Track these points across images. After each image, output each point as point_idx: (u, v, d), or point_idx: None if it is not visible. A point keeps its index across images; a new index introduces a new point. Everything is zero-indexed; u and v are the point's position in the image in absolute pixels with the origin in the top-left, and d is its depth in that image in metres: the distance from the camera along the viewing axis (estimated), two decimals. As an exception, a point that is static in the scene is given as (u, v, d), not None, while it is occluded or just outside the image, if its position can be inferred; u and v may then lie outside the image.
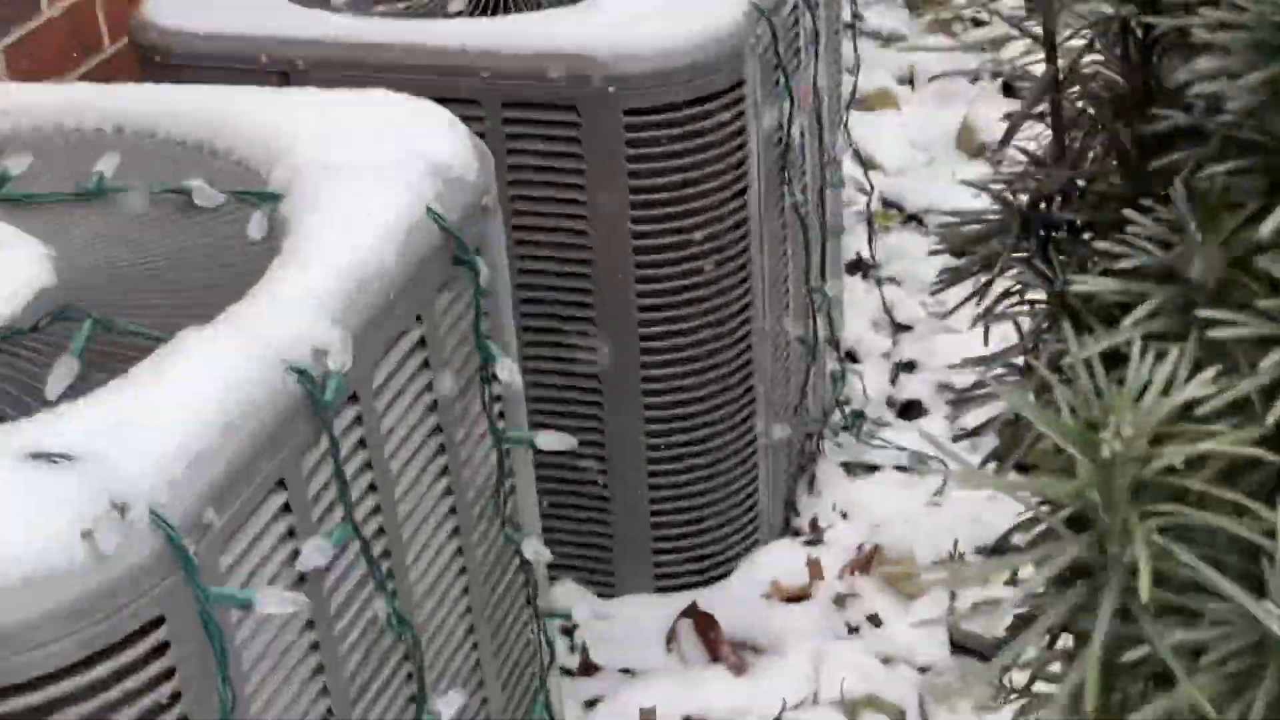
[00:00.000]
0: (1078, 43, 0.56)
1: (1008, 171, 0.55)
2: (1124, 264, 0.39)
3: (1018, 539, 0.43)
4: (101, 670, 0.50)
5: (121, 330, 0.61)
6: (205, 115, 0.81)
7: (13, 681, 0.46)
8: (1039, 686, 0.45)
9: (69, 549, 0.46)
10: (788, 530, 1.30)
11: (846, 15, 1.51)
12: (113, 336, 0.61)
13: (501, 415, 0.82)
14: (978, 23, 2.37)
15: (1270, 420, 0.28)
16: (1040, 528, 0.34)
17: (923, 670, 1.06)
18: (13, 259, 0.68)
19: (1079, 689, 0.28)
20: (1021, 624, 0.36)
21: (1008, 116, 0.62)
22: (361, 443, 0.63)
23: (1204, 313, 0.30)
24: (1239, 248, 0.32)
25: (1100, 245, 0.52)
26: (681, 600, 1.15)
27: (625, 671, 1.13)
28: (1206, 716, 0.27)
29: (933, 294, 1.16)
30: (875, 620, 1.12)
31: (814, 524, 1.29)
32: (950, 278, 0.56)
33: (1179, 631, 0.28)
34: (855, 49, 1.48)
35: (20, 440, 0.50)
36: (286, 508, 0.59)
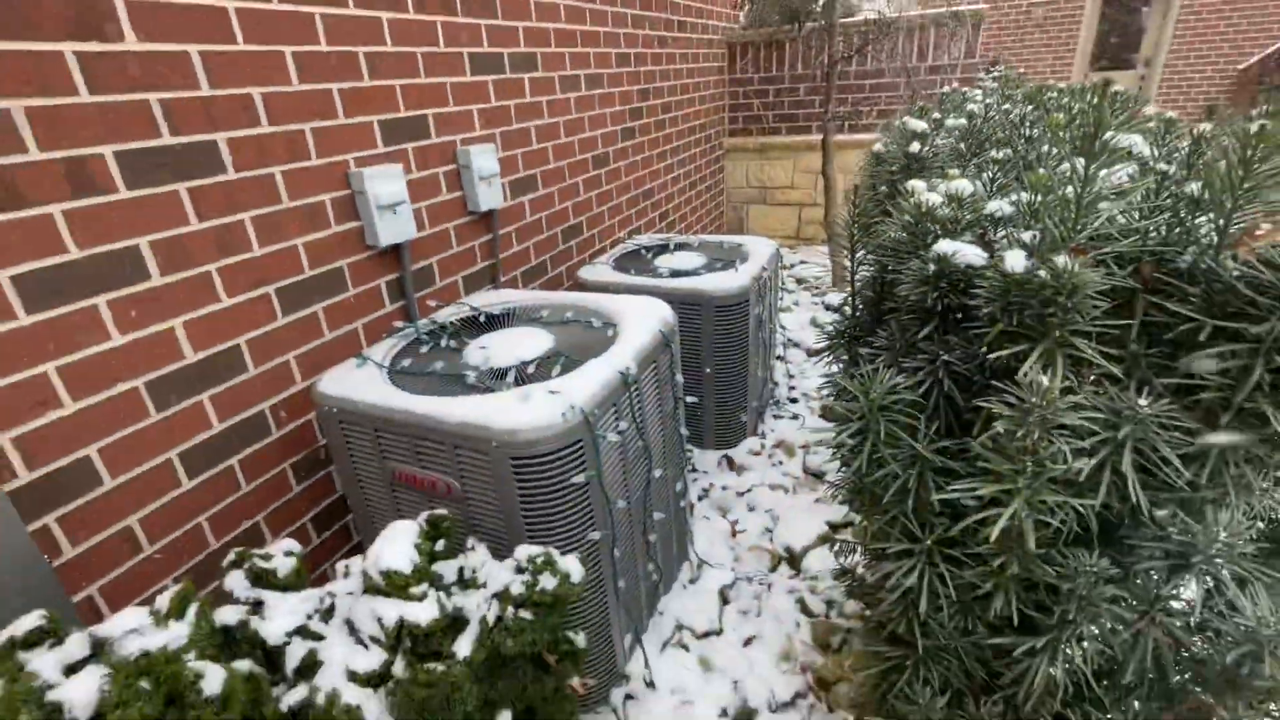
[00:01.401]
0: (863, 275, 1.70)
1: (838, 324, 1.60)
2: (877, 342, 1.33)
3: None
4: (562, 452, 1.22)
5: (571, 360, 1.47)
6: (587, 302, 1.85)
7: (536, 453, 1.19)
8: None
9: (558, 419, 1.26)
10: (756, 433, 2.78)
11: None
12: (568, 363, 1.48)
13: (674, 390, 1.69)
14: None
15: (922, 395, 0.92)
16: (845, 427, 1.24)
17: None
18: (544, 337, 1.64)
19: (856, 476, 0.75)
20: (838, 458, 1.29)
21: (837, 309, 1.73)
22: (638, 395, 1.50)
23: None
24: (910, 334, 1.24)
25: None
26: (719, 451, 2.58)
27: (704, 471, 2.50)
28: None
29: (809, 355, 3.06)
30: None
31: (761, 434, 2.80)
32: (822, 350, 1.56)
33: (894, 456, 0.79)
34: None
35: (547, 387, 1.27)
36: (616, 412, 1.37)
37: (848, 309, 0.97)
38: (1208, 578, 0.60)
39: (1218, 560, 0.59)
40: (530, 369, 1.43)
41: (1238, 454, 0.54)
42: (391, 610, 0.82)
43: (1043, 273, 0.61)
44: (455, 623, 0.88)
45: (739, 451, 2.58)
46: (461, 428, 1.21)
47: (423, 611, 0.82)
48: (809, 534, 2.08)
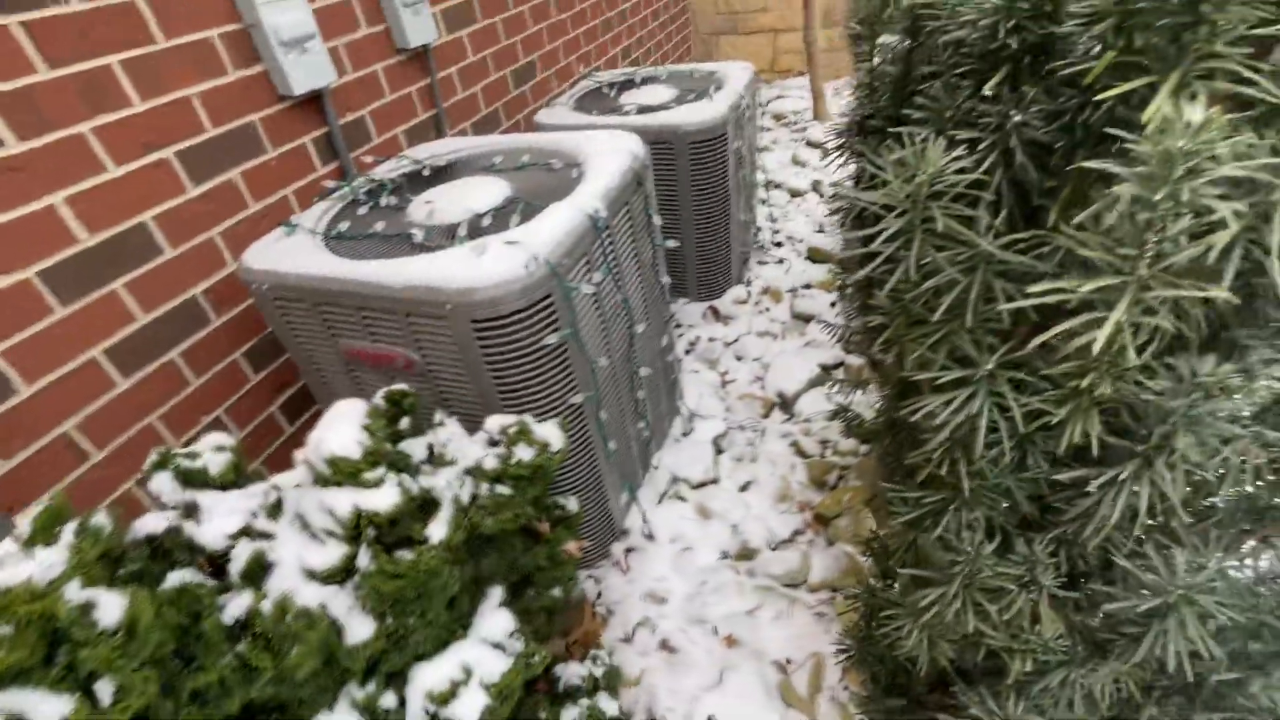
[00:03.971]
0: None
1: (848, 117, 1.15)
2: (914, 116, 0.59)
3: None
4: (529, 311, 1.06)
5: (532, 207, 1.25)
6: (544, 142, 1.61)
7: (499, 313, 1.03)
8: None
9: (520, 271, 1.04)
10: (741, 281, 2.56)
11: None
12: (529, 209, 1.24)
13: (651, 236, 1.51)
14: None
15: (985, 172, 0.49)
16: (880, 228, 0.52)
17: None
18: (498, 186, 1.40)
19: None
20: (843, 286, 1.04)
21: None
22: (610, 242, 1.30)
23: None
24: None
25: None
26: (703, 303, 2.43)
27: (690, 325, 2.36)
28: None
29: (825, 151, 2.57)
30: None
31: (747, 281, 2.57)
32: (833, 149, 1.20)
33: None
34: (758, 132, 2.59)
35: (504, 239, 1.08)
36: (588, 263, 1.20)
37: (862, 93, 0.73)
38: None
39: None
40: (484, 221, 1.20)
41: None
42: (344, 500, 0.67)
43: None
44: (426, 505, 0.73)
45: (724, 301, 2.42)
46: (409, 291, 1.01)
47: (381, 498, 0.67)
48: (800, 378, 1.97)
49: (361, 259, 1.15)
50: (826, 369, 2.01)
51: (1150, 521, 0.53)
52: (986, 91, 0.49)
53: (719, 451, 1.82)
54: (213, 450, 0.79)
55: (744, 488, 1.69)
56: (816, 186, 3.12)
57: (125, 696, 0.50)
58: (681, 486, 1.72)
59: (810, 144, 3.49)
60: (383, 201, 1.45)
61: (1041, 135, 0.50)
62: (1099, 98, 0.43)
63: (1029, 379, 0.51)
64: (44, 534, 0.56)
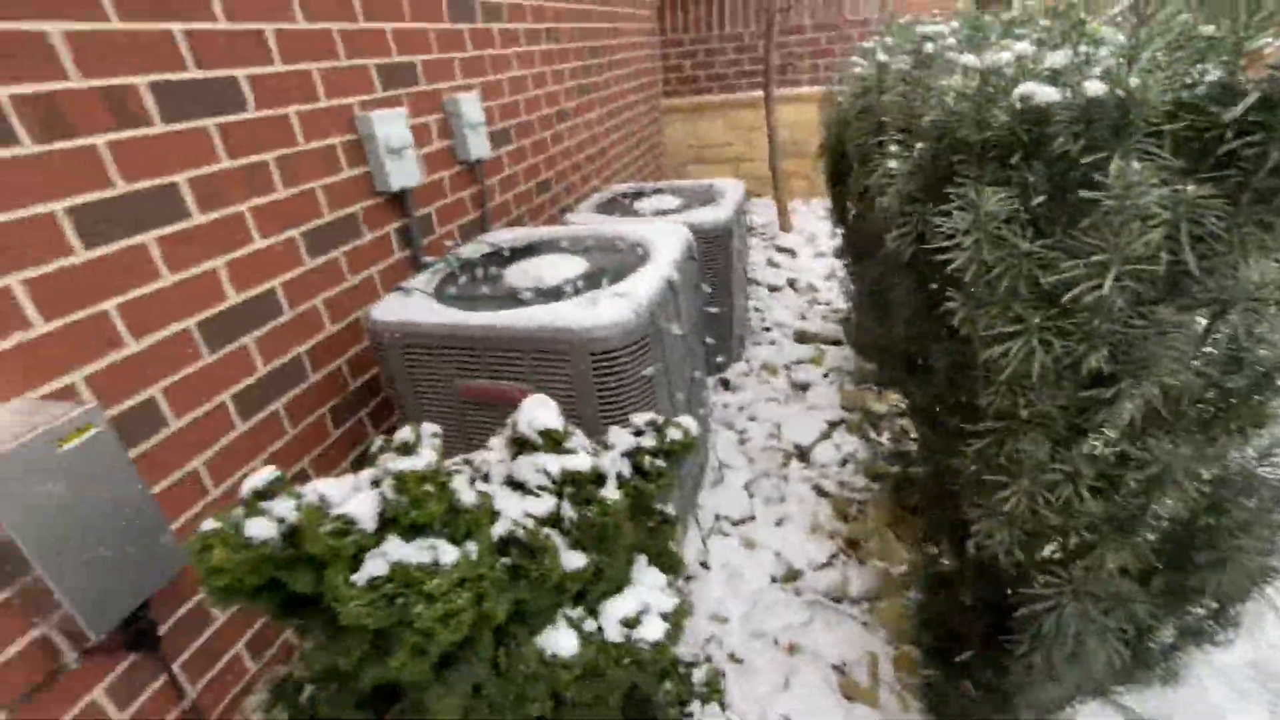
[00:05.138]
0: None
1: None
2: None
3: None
4: (633, 347, 1.35)
5: (616, 275, 1.56)
6: (604, 229, 1.96)
7: (611, 348, 1.32)
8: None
9: (630, 315, 1.33)
10: (740, 359, 2.90)
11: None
12: (614, 277, 1.57)
13: (699, 301, 2.01)
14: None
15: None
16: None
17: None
18: (577, 261, 1.74)
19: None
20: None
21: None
22: (679, 302, 1.88)
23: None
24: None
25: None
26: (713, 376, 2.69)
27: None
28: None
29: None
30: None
31: (746, 360, 2.89)
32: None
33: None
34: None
35: (613, 292, 1.43)
36: (666, 317, 1.51)
37: (906, 177, 1.11)
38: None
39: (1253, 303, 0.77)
40: (580, 284, 1.52)
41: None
42: (554, 462, 0.92)
43: (1119, 91, 0.76)
44: (598, 476, 0.99)
45: (730, 375, 2.75)
46: (541, 331, 1.29)
47: (580, 462, 0.92)
48: (812, 433, 2.28)
49: (478, 313, 1.40)
50: (832, 425, 2.33)
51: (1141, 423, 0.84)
52: (1011, 163, 0.85)
53: (750, 495, 2.06)
54: (430, 435, 1.01)
55: (779, 523, 1.93)
56: (792, 283, 3.61)
57: (485, 555, 0.71)
58: (724, 524, 1.95)
59: (780, 249, 4.04)
60: (478, 273, 1.75)
61: (1045, 185, 0.86)
62: (1081, 162, 0.79)
63: (1062, 326, 0.84)
64: (416, 442, 0.77)
